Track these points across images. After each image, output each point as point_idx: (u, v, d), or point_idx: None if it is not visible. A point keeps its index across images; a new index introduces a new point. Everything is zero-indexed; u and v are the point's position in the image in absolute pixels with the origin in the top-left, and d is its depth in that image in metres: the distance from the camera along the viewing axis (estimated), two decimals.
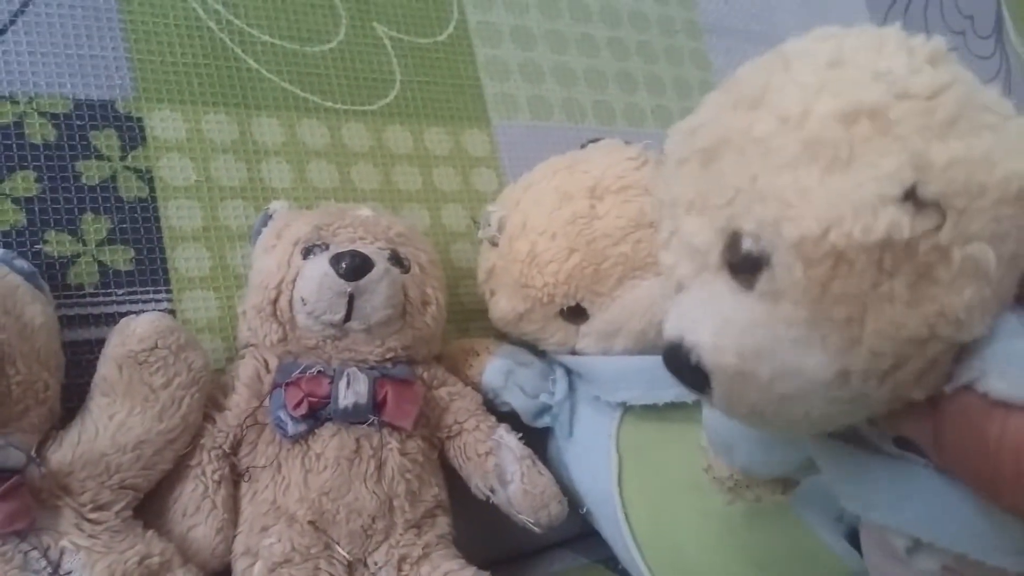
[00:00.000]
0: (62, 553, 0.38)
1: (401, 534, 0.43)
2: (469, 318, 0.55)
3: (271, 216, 0.49)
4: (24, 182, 0.47)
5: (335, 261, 0.43)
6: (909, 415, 0.27)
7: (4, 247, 0.45)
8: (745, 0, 0.76)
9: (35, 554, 0.37)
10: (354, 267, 0.43)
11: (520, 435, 0.48)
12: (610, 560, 0.49)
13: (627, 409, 0.49)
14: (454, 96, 0.61)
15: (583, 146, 0.59)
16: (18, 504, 0.37)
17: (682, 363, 0.27)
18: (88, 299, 0.47)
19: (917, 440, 0.27)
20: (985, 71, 0.89)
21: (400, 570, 0.42)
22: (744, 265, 0.26)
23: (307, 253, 0.45)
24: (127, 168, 0.49)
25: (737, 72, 0.29)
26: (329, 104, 0.56)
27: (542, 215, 0.49)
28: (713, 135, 0.28)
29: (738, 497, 0.39)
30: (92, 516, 0.39)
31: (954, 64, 0.26)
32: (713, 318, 0.26)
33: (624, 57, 0.68)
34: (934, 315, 0.24)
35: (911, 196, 0.23)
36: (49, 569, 0.37)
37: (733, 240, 0.26)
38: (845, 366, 0.25)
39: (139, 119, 0.50)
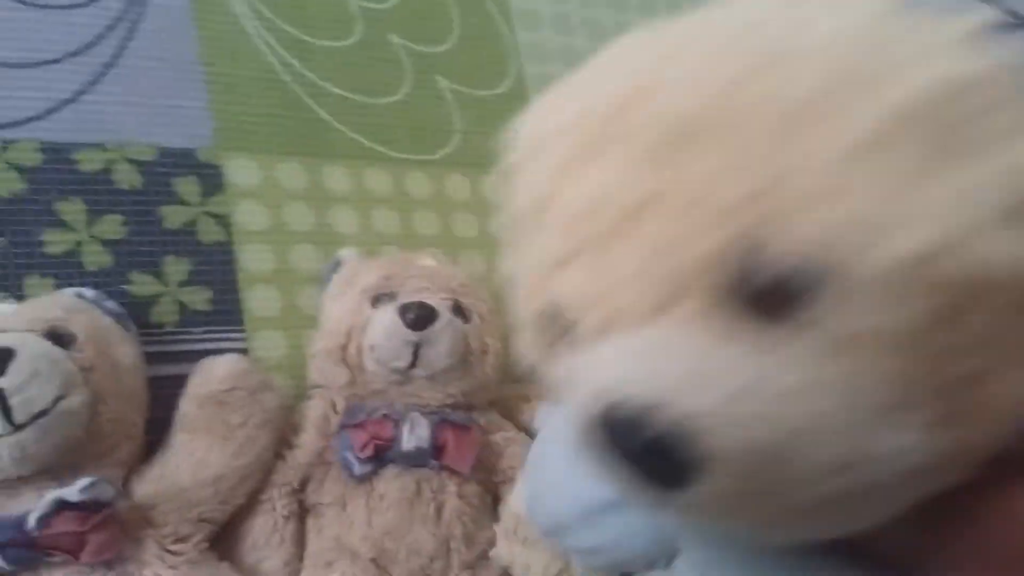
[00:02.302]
0: None
1: (457, 574, 0.45)
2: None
3: (340, 263, 0.52)
4: (112, 225, 0.50)
5: (403, 312, 0.46)
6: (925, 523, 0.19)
7: (93, 287, 0.48)
8: None
9: None
10: (420, 318, 0.46)
11: None
12: None
13: None
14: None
15: None
16: (108, 535, 0.40)
17: (645, 444, 0.18)
18: (168, 337, 0.50)
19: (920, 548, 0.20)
20: None
21: None
22: (771, 299, 0.18)
23: (376, 302, 0.48)
24: (206, 213, 0.52)
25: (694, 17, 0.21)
26: (394, 154, 0.59)
27: None
28: (684, 104, 0.19)
29: None
30: (173, 548, 0.42)
31: None
32: (718, 377, 0.18)
33: None
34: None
35: None
36: None
37: (748, 260, 0.18)
38: (952, 445, 0.17)
39: (218, 167, 0.53)
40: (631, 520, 0.27)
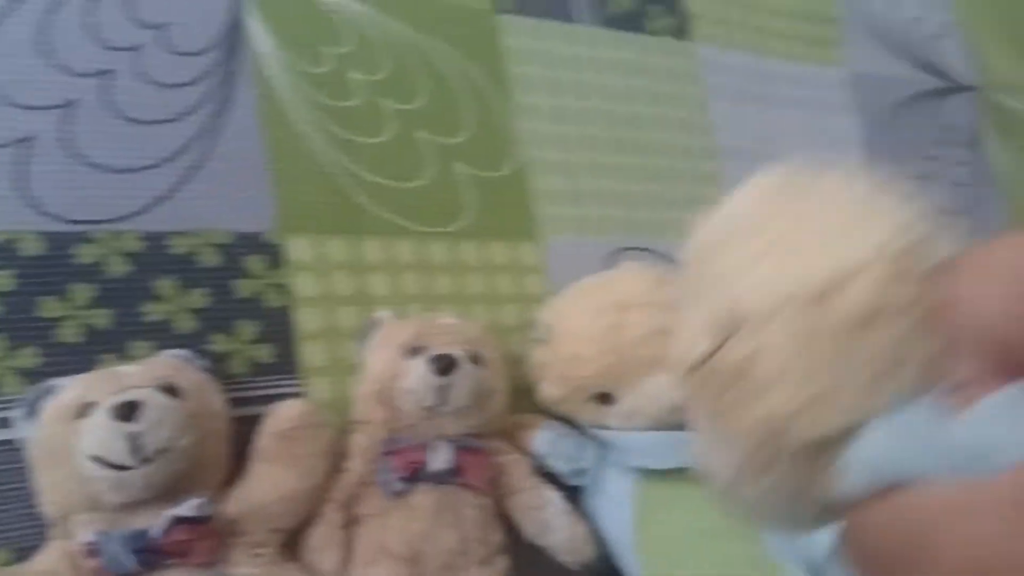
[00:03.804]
0: None
1: (474, 568, 0.58)
2: (519, 398, 0.69)
3: (378, 322, 0.65)
4: (197, 297, 0.63)
5: (432, 362, 0.59)
6: None
7: (183, 347, 0.61)
8: (755, 128, 0.91)
9: None
10: (445, 366, 0.59)
11: (562, 493, 0.63)
12: None
13: (643, 472, 0.64)
14: (513, 217, 0.76)
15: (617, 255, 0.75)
16: (210, 543, 0.52)
17: None
18: (241, 385, 0.63)
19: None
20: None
21: None
22: None
23: (408, 354, 0.61)
24: (270, 284, 0.66)
25: None
26: (418, 228, 0.72)
27: (582, 324, 0.64)
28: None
29: None
30: (257, 551, 0.55)
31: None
32: None
33: (652, 180, 0.83)
34: (759, 419, 0.26)
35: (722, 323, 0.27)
36: None
37: None
38: (735, 461, 0.27)
39: (279, 246, 0.67)
40: None
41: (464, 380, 0.60)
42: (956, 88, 1.07)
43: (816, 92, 0.96)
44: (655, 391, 0.63)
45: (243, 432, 0.59)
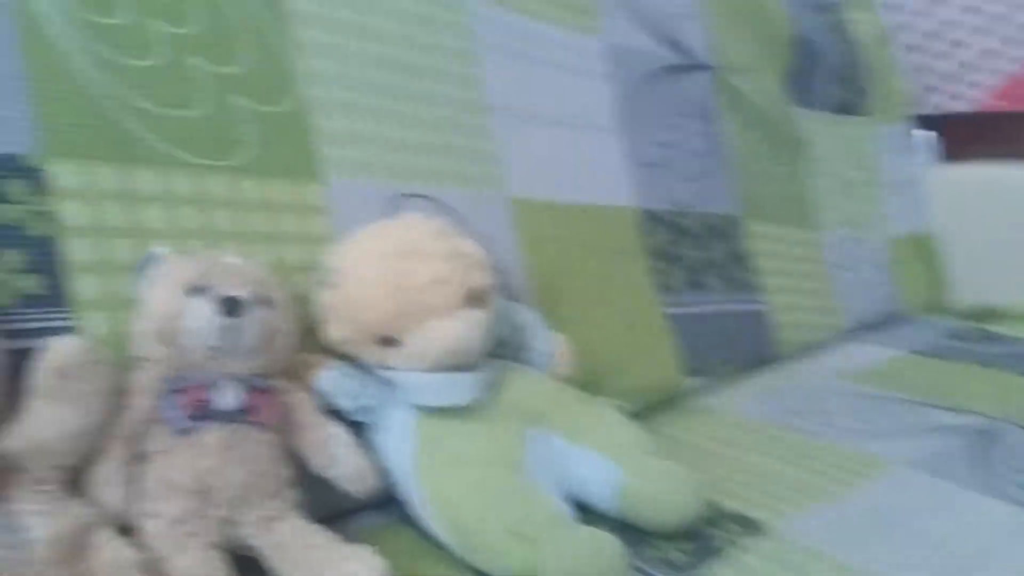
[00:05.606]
0: (23, 516, 0.52)
1: (263, 501, 0.60)
2: (302, 337, 0.71)
3: (156, 257, 0.63)
4: None
5: (218, 302, 0.59)
6: None
7: None
8: (522, 88, 0.96)
9: (3, 518, 0.51)
10: (231, 307, 0.59)
11: (346, 427, 0.66)
12: (408, 518, 0.68)
13: (422, 409, 0.68)
14: (295, 156, 0.76)
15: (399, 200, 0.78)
16: None
17: None
18: (7, 317, 0.59)
19: None
20: None
21: (263, 527, 0.59)
22: None
23: (193, 293, 0.60)
24: (32, 211, 0.61)
25: None
26: (194, 160, 0.70)
27: (368, 270, 0.67)
28: None
29: None
30: (41, 488, 0.53)
31: None
32: None
33: (429, 130, 0.86)
34: None
35: None
36: (14, 527, 0.51)
37: None
38: None
39: (41, 170, 0.62)
40: None
41: (252, 322, 0.60)
42: (695, 66, 1.19)
43: (578, 58, 1.03)
44: (437, 335, 0.67)
45: (14, 366, 0.56)
